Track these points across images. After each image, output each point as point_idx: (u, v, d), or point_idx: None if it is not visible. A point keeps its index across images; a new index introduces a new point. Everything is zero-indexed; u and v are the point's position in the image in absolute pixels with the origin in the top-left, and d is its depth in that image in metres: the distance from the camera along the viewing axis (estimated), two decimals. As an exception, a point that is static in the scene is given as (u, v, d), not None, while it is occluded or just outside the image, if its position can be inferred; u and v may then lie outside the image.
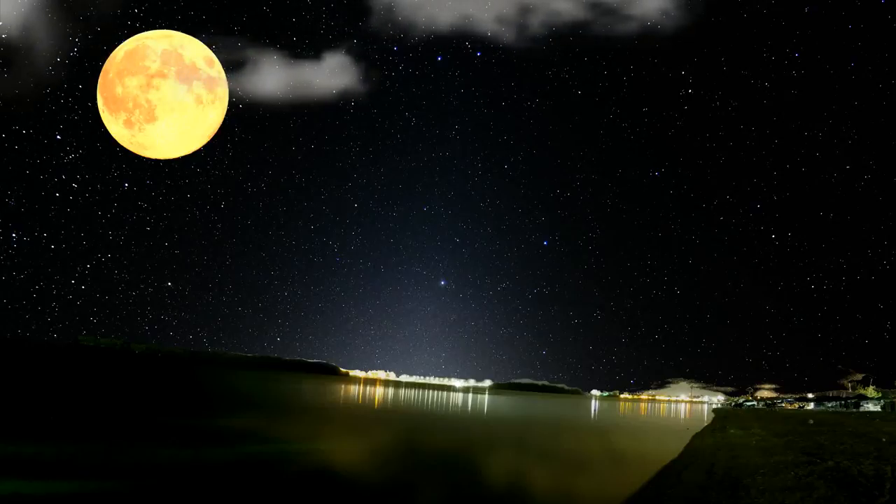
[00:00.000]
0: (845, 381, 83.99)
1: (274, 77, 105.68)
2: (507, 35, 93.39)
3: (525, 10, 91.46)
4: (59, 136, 74.56)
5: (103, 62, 15.14)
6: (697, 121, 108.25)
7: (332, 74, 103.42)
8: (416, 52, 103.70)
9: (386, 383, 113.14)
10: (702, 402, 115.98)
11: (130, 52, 14.57)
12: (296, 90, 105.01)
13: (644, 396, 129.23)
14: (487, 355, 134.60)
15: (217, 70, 15.89)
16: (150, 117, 14.43)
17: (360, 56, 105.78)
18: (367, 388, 68.97)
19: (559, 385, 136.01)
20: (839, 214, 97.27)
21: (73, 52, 72.55)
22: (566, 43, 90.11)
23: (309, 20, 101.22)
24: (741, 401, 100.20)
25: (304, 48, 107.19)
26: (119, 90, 14.35)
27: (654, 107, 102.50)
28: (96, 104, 15.35)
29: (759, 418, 33.02)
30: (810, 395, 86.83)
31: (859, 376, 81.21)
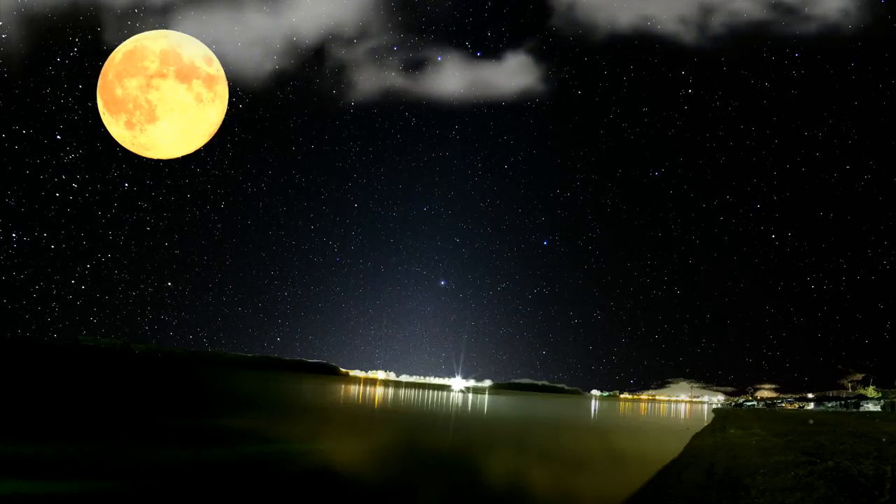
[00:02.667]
0: (845, 381, 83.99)
1: (456, 76, 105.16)
2: (688, 35, 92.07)
3: (706, 10, 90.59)
4: (59, 136, 74.50)
5: (104, 61, 15.13)
6: (697, 121, 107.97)
7: (513, 74, 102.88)
8: (598, 52, 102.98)
9: (386, 383, 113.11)
10: (702, 402, 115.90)
11: (129, 53, 14.55)
12: (476, 89, 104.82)
13: (644, 396, 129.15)
14: (487, 355, 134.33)
15: (216, 68, 15.88)
16: (151, 118, 14.42)
17: (541, 56, 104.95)
18: (367, 388, 68.94)
19: (559, 385, 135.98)
20: (839, 214, 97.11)
21: (74, 51, 72.53)
22: (747, 43, 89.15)
23: (491, 19, 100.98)
24: (741, 401, 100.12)
25: (486, 48, 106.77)
26: (119, 92, 14.33)
27: (654, 107, 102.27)
28: (96, 105, 15.33)
29: (759, 418, 33.00)
30: (810, 395, 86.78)
31: (859, 376, 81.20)
